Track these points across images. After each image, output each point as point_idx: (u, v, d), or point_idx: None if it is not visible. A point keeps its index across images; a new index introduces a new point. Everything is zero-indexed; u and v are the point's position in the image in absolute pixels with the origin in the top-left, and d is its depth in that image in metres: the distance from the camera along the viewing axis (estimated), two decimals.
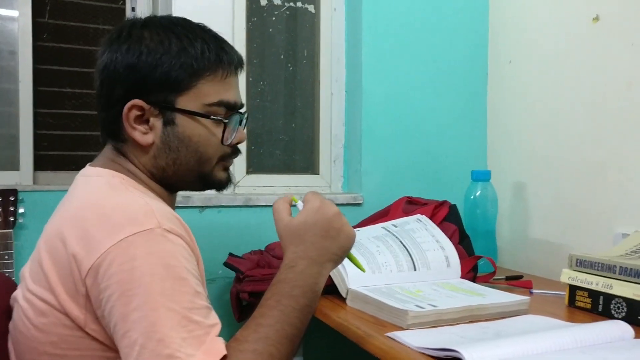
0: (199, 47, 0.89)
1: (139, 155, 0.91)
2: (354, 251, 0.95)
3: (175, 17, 0.95)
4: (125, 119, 0.88)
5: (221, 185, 0.99)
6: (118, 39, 0.89)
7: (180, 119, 0.89)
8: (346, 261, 0.93)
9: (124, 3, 2.08)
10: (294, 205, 0.93)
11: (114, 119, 0.89)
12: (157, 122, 0.89)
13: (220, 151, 0.95)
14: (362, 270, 0.98)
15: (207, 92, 0.90)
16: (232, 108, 0.94)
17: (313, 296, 0.83)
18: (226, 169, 0.99)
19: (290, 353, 0.79)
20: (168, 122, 0.89)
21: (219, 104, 0.92)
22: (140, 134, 0.89)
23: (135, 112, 0.88)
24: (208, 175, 0.95)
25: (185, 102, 0.89)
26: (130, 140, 0.90)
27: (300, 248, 0.84)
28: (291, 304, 0.80)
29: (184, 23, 0.92)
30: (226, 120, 0.93)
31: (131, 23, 0.92)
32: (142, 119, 0.89)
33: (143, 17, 0.93)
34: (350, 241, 0.89)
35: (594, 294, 1.14)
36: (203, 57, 0.89)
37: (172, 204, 0.97)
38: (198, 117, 0.90)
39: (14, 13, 1.90)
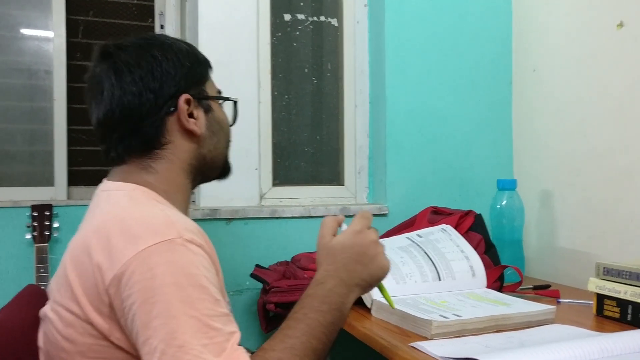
0: (197, 49, 1.03)
1: (183, 152, 0.96)
2: (387, 285, 0.95)
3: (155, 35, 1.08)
4: (181, 114, 0.94)
5: (230, 170, 1.10)
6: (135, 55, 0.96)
7: (212, 104, 1.01)
8: None
9: (153, 21, 2.14)
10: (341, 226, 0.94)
11: (157, 125, 0.94)
12: (200, 113, 0.98)
13: None
14: (392, 306, 0.97)
15: (212, 82, 1.05)
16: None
17: (339, 315, 0.84)
18: None
19: None
20: (207, 110, 1.00)
21: (219, 91, 1.06)
22: (194, 125, 0.96)
23: (185, 106, 0.95)
24: (227, 158, 1.07)
25: (209, 90, 1.02)
26: (173, 141, 0.95)
27: (331, 267, 0.87)
28: (318, 319, 0.81)
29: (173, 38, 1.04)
30: (236, 100, 1.08)
31: (138, 44, 0.98)
32: (188, 113, 0.97)
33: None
34: (382, 272, 0.90)
35: (622, 303, 1.12)
36: (203, 55, 1.03)
37: (187, 206, 1.01)
38: (219, 101, 1.04)
39: (50, 34, 1.97)
